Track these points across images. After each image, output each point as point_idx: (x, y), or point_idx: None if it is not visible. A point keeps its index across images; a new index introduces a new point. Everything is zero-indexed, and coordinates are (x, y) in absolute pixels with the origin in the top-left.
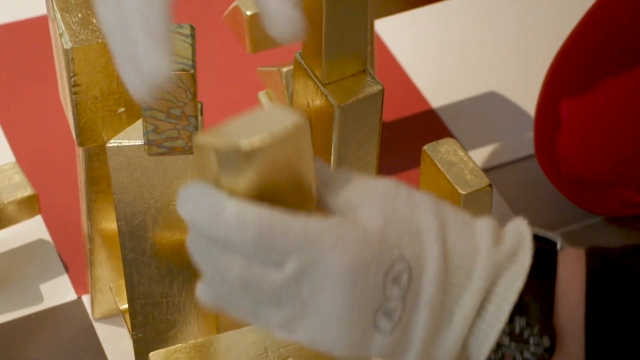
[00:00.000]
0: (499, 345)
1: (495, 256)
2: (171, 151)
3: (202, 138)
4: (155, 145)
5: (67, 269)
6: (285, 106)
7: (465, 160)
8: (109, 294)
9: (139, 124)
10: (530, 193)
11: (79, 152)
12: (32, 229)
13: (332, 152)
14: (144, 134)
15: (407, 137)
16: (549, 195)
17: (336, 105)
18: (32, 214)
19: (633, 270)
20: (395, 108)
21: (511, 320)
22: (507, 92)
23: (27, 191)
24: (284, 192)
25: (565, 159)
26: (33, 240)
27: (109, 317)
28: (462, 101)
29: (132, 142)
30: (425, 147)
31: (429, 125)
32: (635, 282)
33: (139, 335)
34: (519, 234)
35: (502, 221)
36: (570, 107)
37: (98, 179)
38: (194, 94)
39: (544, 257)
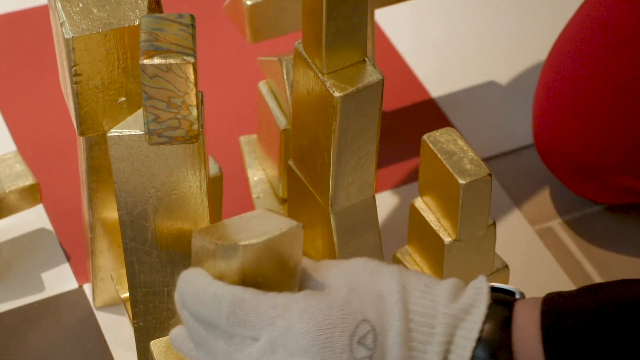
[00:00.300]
0: None
1: (453, 311)
2: (172, 140)
3: (202, 235)
4: (156, 135)
5: (68, 258)
6: (282, 215)
7: (464, 149)
8: (110, 282)
9: (139, 114)
10: (529, 182)
11: (80, 141)
12: (34, 218)
13: (332, 141)
14: (144, 124)
15: (406, 126)
16: (549, 184)
17: (336, 94)
18: (33, 203)
19: (584, 309)
20: (395, 97)
21: None
22: (506, 81)
23: (28, 180)
24: (271, 283)
25: (565, 147)
26: (34, 229)
27: (110, 305)
28: (461, 91)
29: (133, 132)
30: (424, 137)
31: (428, 114)
32: (586, 319)
33: (140, 323)
34: (477, 289)
35: (500, 211)
36: (569, 95)
37: (99, 168)
38: (195, 84)
39: (501, 307)
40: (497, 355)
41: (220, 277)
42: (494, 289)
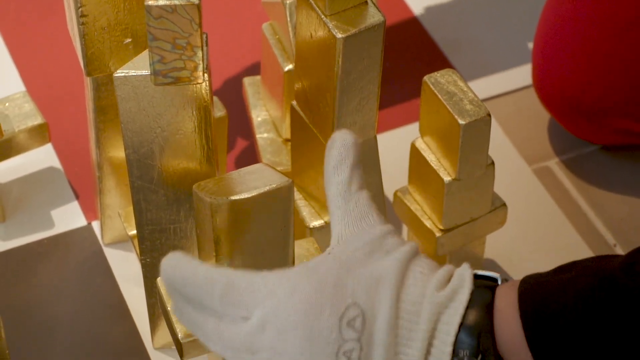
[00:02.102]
0: None
1: (437, 299)
2: (177, 81)
3: (200, 189)
4: (161, 75)
5: (77, 196)
6: (274, 169)
7: (464, 90)
8: (117, 220)
9: (145, 54)
10: (527, 122)
11: (87, 82)
12: (43, 157)
13: (335, 82)
14: (150, 64)
15: (407, 68)
16: (546, 124)
17: (339, 36)
18: (42, 142)
19: (559, 289)
20: (396, 39)
21: (456, 353)
22: (506, 23)
23: (37, 120)
24: (266, 240)
25: (564, 89)
26: (43, 168)
27: (118, 242)
28: (462, 32)
29: (139, 72)
30: (425, 78)
31: (429, 56)
32: (562, 299)
33: (147, 260)
34: (461, 276)
35: (499, 150)
36: (569, 37)
37: (106, 108)
38: (199, 25)
39: (483, 292)
40: (481, 338)
41: (216, 229)
42: (477, 276)
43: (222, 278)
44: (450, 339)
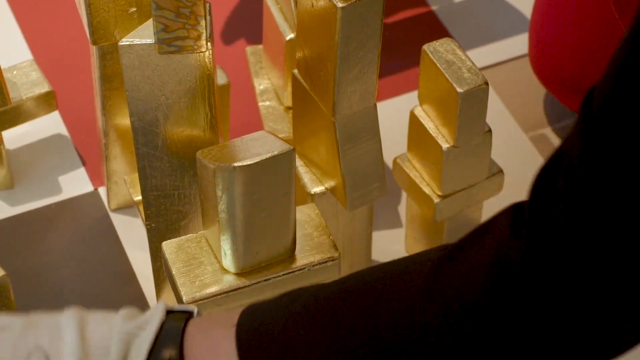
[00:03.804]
0: None
1: (127, 328)
2: (181, 50)
3: (204, 155)
4: (165, 44)
5: (83, 163)
6: (276, 136)
7: (463, 59)
8: (123, 186)
9: (149, 23)
10: (524, 91)
11: (93, 50)
12: (50, 124)
13: (335, 51)
14: (154, 33)
15: (407, 37)
16: (542, 92)
17: (339, 5)
18: (49, 109)
19: (276, 302)
20: (395, 9)
21: None
22: None
23: (44, 88)
24: (268, 205)
25: (559, 64)
26: (51, 135)
27: (124, 207)
28: (460, 2)
29: (144, 41)
30: (424, 47)
31: (428, 26)
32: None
33: (152, 225)
34: (154, 308)
35: (496, 118)
36: (565, 14)
37: (112, 76)
38: None
39: (177, 319)
40: None
41: (219, 195)
42: (173, 312)
43: None
44: None
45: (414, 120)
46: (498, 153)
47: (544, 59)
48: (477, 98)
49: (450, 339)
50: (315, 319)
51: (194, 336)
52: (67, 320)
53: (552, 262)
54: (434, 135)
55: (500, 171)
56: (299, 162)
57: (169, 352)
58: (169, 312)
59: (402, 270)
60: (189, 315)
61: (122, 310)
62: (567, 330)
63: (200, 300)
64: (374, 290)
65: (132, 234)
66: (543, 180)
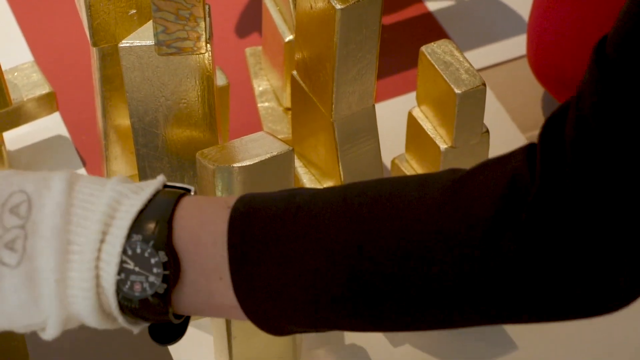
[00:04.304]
0: (125, 272)
1: (120, 188)
2: (180, 51)
3: (204, 156)
4: (165, 46)
5: (84, 163)
6: (275, 137)
7: (460, 60)
8: None
9: (149, 25)
10: (522, 92)
11: (94, 52)
12: (51, 125)
13: (334, 52)
14: (154, 35)
15: (405, 39)
16: (540, 93)
17: (338, 7)
18: (50, 110)
19: (275, 196)
20: (394, 11)
21: (130, 238)
22: None
23: (45, 89)
24: None
25: (557, 64)
26: (52, 136)
27: None
28: (457, 4)
29: (143, 43)
30: (422, 48)
31: (426, 27)
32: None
33: None
34: (152, 179)
35: (494, 119)
36: (563, 14)
37: (112, 77)
38: None
39: (172, 191)
40: (155, 224)
41: (220, 195)
42: (171, 186)
43: None
44: (126, 223)
45: (412, 121)
46: (496, 153)
47: (543, 59)
48: (474, 99)
49: (462, 251)
50: (318, 217)
51: (185, 208)
52: (59, 173)
53: (561, 208)
54: (432, 135)
55: None
56: (298, 163)
57: (159, 214)
58: (167, 186)
59: (417, 184)
60: (185, 192)
61: (119, 175)
62: (568, 266)
63: None
64: (383, 198)
65: None
66: (551, 130)
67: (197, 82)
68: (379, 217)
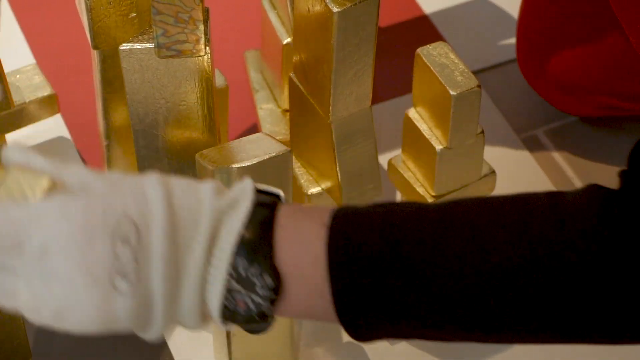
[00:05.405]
0: (230, 292)
1: (218, 204)
2: (180, 54)
3: (203, 157)
4: (165, 48)
5: (85, 164)
6: (273, 138)
7: (455, 62)
8: None
9: (149, 28)
10: (516, 93)
11: (94, 54)
12: (52, 127)
13: (331, 55)
14: (154, 38)
15: (401, 41)
16: (533, 95)
17: (335, 10)
18: (52, 112)
19: (371, 212)
20: (390, 14)
21: (234, 264)
22: None
23: (46, 91)
24: None
25: (546, 66)
26: (53, 138)
27: None
28: (453, 7)
29: (143, 45)
30: (418, 51)
31: (421, 30)
32: (371, 224)
33: None
34: (243, 188)
35: (488, 120)
36: (552, 17)
37: (112, 80)
38: (201, 0)
39: (266, 204)
40: (257, 248)
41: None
42: (259, 191)
43: None
44: (229, 246)
45: (408, 122)
46: (490, 154)
47: (531, 62)
48: (469, 100)
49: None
50: (422, 233)
51: (283, 227)
52: (153, 189)
53: None
54: (427, 136)
55: (493, 172)
56: (295, 164)
57: (259, 234)
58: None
59: (520, 205)
60: (276, 198)
61: (207, 182)
62: None
63: None
64: (486, 212)
65: None
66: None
67: (197, 84)
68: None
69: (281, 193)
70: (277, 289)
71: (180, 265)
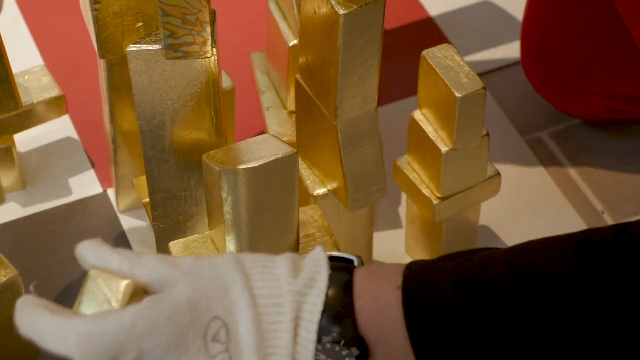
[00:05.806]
0: None
1: (296, 287)
2: (187, 55)
3: (210, 158)
4: (171, 50)
5: (93, 165)
6: (279, 139)
7: (461, 64)
8: (131, 188)
9: (156, 30)
10: (520, 95)
11: (101, 62)
12: (60, 127)
13: (337, 57)
14: (161, 39)
15: (406, 43)
16: (538, 97)
17: (341, 12)
18: (59, 113)
19: (442, 268)
20: (395, 16)
21: (320, 340)
22: (499, 2)
23: (54, 92)
24: (272, 207)
25: (550, 68)
26: (61, 138)
27: (132, 209)
28: (458, 10)
29: (150, 47)
30: (424, 53)
31: (427, 32)
32: (446, 287)
33: (160, 225)
34: (316, 261)
35: (493, 122)
36: (556, 19)
37: (119, 86)
38: (208, 2)
39: (341, 275)
40: (341, 323)
41: (224, 197)
42: (332, 258)
43: (75, 332)
44: (314, 327)
45: (413, 124)
46: (495, 156)
47: (535, 64)
48: (475, 102)
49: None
50: (490, 289)
51: (360, 296)
52: (234, 282)
53: None
54: (433, 138)
55: (498, 173)
56: (301, 165)
57: (340, 311)
58: (330, 258)
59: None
60: (350, 266)
61: (281, 259)
62: None
63: None
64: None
65: (140, 234)
66: None
67: (203, 85)
68: None
69: (354, 258)
70: (363, 355)
71: (270, 350)
